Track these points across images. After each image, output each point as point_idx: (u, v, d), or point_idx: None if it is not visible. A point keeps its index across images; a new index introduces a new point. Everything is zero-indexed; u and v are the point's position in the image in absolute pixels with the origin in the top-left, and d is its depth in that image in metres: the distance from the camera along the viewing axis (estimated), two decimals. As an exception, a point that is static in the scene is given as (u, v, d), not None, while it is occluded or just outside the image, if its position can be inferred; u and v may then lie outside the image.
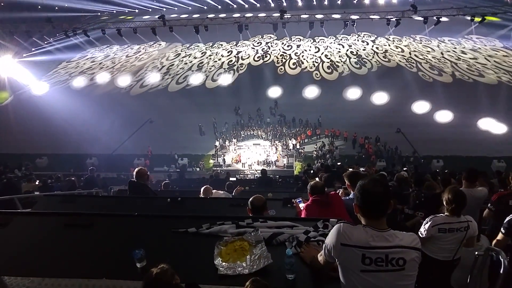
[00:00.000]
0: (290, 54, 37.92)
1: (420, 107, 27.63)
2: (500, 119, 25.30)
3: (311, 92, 31.14)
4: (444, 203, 3.90)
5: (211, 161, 24.96)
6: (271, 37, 40.86)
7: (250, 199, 3.99)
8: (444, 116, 26.29)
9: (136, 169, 6.20)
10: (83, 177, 13.14)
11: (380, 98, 28.91)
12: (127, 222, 3.58)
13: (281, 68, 35.51)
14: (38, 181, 10.87)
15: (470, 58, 34.81)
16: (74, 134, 25.48)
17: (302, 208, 4.42)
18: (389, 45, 38.71)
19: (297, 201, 4.73)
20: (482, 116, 25.63)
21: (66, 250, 3.10)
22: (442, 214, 3.92)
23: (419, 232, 3.93)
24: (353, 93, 30.32)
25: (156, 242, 3.15)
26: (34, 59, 40.19)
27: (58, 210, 4.21)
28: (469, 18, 30.67)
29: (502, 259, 3.54)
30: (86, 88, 34.14)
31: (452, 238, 3.81)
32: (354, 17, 32.52)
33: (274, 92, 31.01)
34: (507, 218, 3.70)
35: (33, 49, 42.11)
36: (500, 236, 3.70)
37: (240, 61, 37.29)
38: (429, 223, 3.86)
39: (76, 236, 3.31)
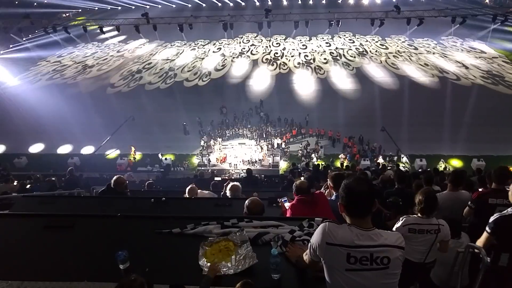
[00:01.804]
0: (274, 53, 38.05)
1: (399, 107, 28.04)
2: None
3: (296, 91, 31.32)
4: (416, 205, 4.02)
5: (196, 160, 24.79)
6: (262, 39, 40.88)
7: (247, 202, 3.91)
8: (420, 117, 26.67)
9: (114, 177, 6.13)
10: (64, 177, 12.82)
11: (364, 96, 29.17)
12: (109, 223, 3.51)
13: (263, 65, 35.69)
14: (16, 181, 10.54)
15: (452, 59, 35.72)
16: (55, 133, 24.92)
17: (287, 208, 4.43)
18: (373, 43, 39.35)
19: (282, 200, 4.74)
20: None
21: (45, 252, 3.02)
22: (414, 215, 4.03)
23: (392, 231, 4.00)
24: (337, 92, 30.60)
25: (139, 243, 3.10)
26: (11, 56, 39.24)
27: (37, 212, 4.10)
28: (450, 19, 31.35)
29: (482, 256, 3.63)
30: (67, 86, 33.42)
31: (422, 240, 3.91)
32: (338, 17, 32.86)
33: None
34: (492, 218, 3.76)
35: (10, 45, 41.12)
36: (485, 235, 3.76)
37: (224, 60, 37.22)
38: (400, 222, 3.98)
39: (56, 238, 3.22)
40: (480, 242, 3.82)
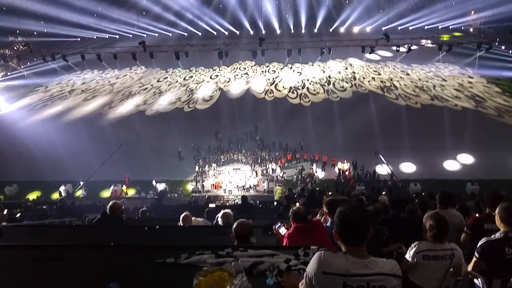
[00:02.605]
0: (268, 80, 38.73)
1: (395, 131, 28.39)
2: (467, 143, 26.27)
3: (290, 115, 31.65)
4: (428, 230, 3.92)
5: (190, 186, 24.61)
6: (256, 69, 41.70)
7: (234, 225, 3.94)
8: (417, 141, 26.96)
9: (110, 203, 6.11)
10: (55, 205, 12.64)
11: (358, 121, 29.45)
12: (102, 253, 3.44)
13: (261, 94, 36.20)
14: (6, 210, 10.34)
15: (439, 84, 36.60)
16: (46, 160, 24.71)
17: (283, 234, 4.38)
18: (364, 71, 40.27)
19: (276, 227, 4.68)
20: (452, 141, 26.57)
21: (35, 286, 2.93)
22: (426, 241, 3.93)
23: (405, 258, 3.94)
24: (331, 117, 30.95)
25: (132, 274, 3.04)
26: (9, 83, 39.58)
27: (27, 242, 4.01)
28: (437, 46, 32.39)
29: (480, 284, 3.58)
30: (61, 113, 33.54)
31: (437, 266, 3.80)
32: (330, 44, 33.76)
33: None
34: (480, 242, 3.75)
35: (8, 73, 41.58)
36: (474, 260, 3.74)
37: (219, 87, 37.78)
38: (414, 249, 3.87)
39: (47, 270, 3.14)
40: (469, 267, 3.78)
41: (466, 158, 25.07)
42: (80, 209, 13.36)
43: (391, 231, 5.27)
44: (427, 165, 24.48)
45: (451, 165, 24.73)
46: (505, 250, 3.65)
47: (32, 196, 22.31)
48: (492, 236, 3.75)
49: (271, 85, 37.69)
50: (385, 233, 5.10)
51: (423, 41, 34.25)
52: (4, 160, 25.73)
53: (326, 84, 37.57)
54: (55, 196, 22.56)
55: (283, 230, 4.45)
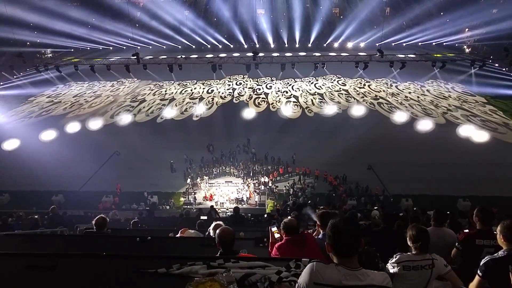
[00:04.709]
0: (260, 93, 39.04)
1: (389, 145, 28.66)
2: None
3: (282, 129, 31.80)
4: (409, 241, 3.96)
5: (182, 199, 24.44)
6: (244, 77, 42.05)
7: (217, 232, 3.92)
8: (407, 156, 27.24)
9: (96, 219, 5.84)
10: (47, 215, 12.49)
11: (349, 136, 29.65)
12: (94, 263, 3.43)
13: (251, 105, 36.49)
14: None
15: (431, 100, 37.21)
16: (38, 170, 24.43)
17: (276, 236, 4.45)
18: (359, 86, 40.79)
19: (271, 227, 4.73)
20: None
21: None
22: (408, 253, 3.95)
23: (386, 269, 3.93)
24: (324, 131, 31.14)
25: (124, 283, 3.04)
26: (2, 93, 39.40)
27: (18, 251, 3.98)
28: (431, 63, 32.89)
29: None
30: (53, 123, 33.34)
31: (417, 277, 3.80)
32: (324, 59, 34.17)
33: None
34: (483, 261, 3.72)
35: (1, 83, 41.44)
36: (477, 278, 3.69)
37: (212, 99, 38.00)
38: (394, 260, 3.89)
39: (39, 278, 3.13)
40: (472, 286, 3.75)
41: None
42: (71, 220, 13.23)
43: (382, 244, 5.30)
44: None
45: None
46: (509, 268, 3.66)
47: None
48: (496, 254, 3.72)
49: (255, 98, 38.06)
50: (376, 255, 5.11)
51: (414, 55, 34.74)
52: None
53: (314, 98, 37.97)
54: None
55: (275, 230, 4.55)
